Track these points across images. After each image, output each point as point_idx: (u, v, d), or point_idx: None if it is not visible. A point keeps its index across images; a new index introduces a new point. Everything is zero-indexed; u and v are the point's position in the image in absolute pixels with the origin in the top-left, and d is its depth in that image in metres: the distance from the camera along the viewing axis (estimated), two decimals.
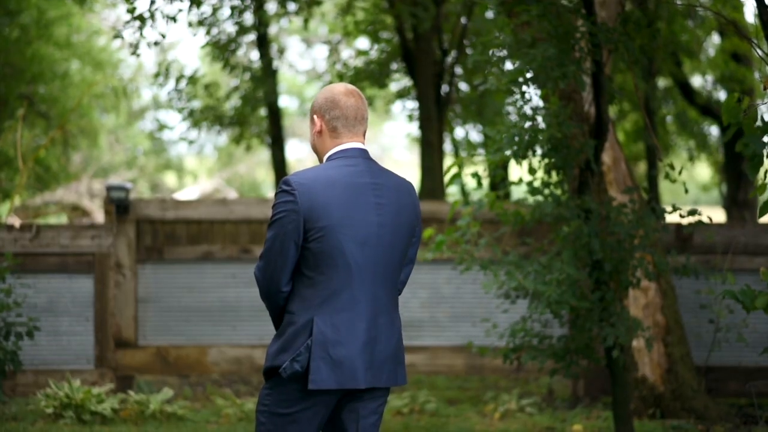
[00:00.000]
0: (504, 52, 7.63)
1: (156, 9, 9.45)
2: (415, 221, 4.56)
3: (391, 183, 4.54)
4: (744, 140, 5.68)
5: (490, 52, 7.68)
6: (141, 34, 9.03)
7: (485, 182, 19.16)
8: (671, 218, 9.92)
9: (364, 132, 4.64)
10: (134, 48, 9.30)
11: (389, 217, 4.48)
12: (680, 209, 7.61)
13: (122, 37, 9.28)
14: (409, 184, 4.58)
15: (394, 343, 4.50)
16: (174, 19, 9.81)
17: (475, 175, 8.00)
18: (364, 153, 4.55)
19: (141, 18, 8.94)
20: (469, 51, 14.95)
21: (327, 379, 4.38)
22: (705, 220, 7.65)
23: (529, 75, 7.45)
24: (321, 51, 25.94)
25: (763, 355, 6.26)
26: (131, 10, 9.11)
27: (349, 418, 4.55)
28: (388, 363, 4.48)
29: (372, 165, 4.54)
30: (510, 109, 7.92)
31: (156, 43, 9.16)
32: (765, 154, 5.68)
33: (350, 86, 4.62)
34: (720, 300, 9.70)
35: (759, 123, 5.67)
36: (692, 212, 7.55)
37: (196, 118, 16.47)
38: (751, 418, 9.62)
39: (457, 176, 8.21)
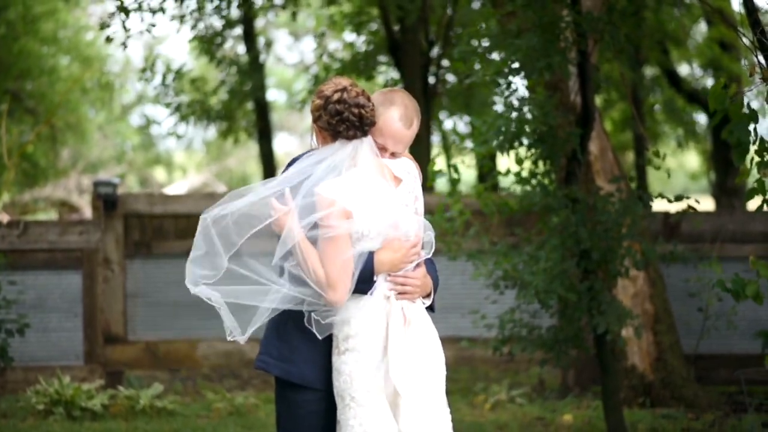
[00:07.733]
0: (489, 43, 7.61)
1: (142, 1, 9.34)
2: None
3: None
4: (729, 127, 5.66)
5: (475, 42, 7.66)
6: (124, 26, 8.95)
7: (473, 173, 19.16)
8: (659, 207, 9.87)
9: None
10: (121, 42, 9.21)
11: None
12: (667, 197, 7.56)
13: (109, 25, 9.20)
14: None
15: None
16: (153, 11, 9.70)
17: (453, 166, 8.03)
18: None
19: (125, 10, 8.86)
20: (455, 42, 14.92)
21: None
22: (692, 204, 7.55)
23: (514, 66, 7.44)
24: (309, 44, 25.86)
25: (753, 341, 6.21)
26: (121, 8, 9.02)
27: None
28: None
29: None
30: (496, 99, 7.87)
31: (148, 30, 9.06)
32: (751, 141, 5.67)
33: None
34: (710, 289, 9.72)
35: (746, 110, 5.66)
36: (679, 197, 7.50)
37: (183, 113, 16.41)
38: (740, 406, 9.63)
39: (440, 172, 8.20)
